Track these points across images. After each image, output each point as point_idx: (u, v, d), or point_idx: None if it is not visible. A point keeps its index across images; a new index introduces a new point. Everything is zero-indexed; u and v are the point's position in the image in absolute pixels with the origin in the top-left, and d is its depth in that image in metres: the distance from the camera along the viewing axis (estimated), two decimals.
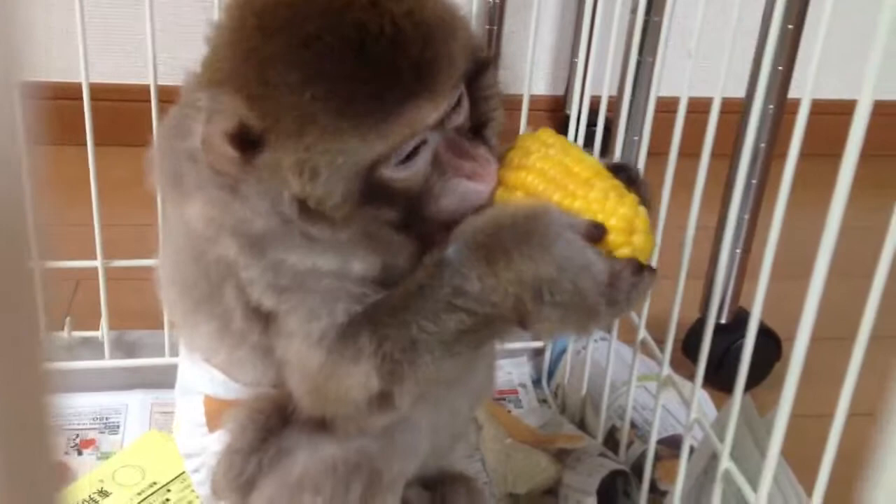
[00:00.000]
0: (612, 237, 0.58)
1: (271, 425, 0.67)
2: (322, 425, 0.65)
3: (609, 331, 0.98)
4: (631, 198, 0.60)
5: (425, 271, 0.59)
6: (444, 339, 0.59)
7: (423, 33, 0.56)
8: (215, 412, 0.71)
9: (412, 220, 0.61)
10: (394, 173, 0.59)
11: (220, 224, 0.61)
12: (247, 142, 0.58)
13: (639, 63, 1.17)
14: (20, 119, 0.22)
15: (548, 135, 0.63)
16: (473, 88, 0.62)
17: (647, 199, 0.62)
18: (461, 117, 0.61)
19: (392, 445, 0.67)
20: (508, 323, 0.59)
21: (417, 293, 0.59)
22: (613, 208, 0.58)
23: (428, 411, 0.68)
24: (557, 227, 0.57)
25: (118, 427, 1.02)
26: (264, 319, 0.63)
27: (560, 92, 1.85)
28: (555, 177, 0.60)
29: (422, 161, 0.59)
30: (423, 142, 0.59)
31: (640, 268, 0.58)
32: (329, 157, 0.57)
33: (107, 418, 1.03)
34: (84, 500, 0.91)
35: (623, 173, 0.63)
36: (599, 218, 0.58)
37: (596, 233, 0.57)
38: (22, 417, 0.24)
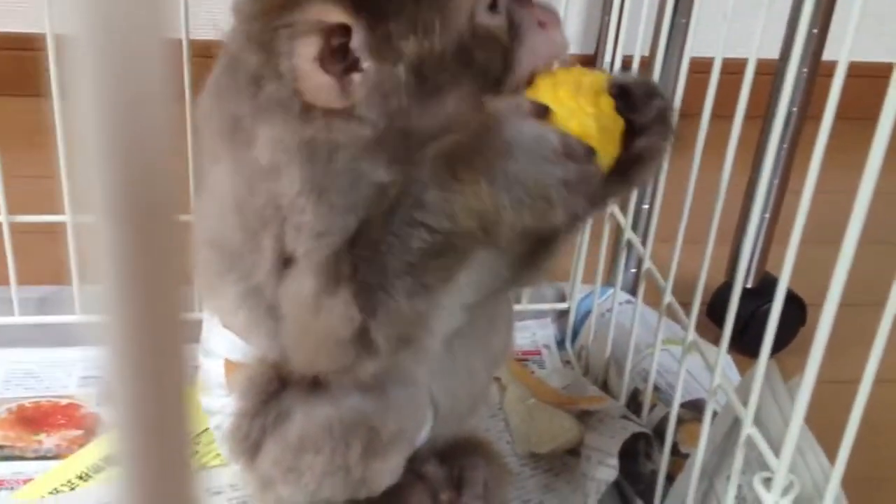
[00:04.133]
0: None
1: (272, 389, 0.68)
2: (317, 386, 0.66)
3: (634, 293, 0.98)
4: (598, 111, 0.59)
5: (396, 188, 0.59)
6: (410, 260, 0.58)
7: None
8: (234, 375, 0.72)
9: (503, 79, 0.61)
10: (488, 20, 0.60)
11: (291, 151, 0.60)
12: (340, 55, 0.58)
13: (672, 24, 1.15)
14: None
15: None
16: None
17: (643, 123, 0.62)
18: None
19: (385, 402, 0.68)
20: (471, 242, 0.59)
21: (388, 210, 0.58)
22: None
23: (428, 367, 0.69)
24: (502, 113, 0.57)
25: None
26: (282, 273, 0.63)
27: (590, 51, 1.83)
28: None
29: (503, 9, 0.61)
30: None
31: (591, 150, 0.57)
32: (438, 3, 0.58)
33: None
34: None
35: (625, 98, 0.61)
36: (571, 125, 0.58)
37: (540, 110, 0.57)
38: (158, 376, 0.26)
